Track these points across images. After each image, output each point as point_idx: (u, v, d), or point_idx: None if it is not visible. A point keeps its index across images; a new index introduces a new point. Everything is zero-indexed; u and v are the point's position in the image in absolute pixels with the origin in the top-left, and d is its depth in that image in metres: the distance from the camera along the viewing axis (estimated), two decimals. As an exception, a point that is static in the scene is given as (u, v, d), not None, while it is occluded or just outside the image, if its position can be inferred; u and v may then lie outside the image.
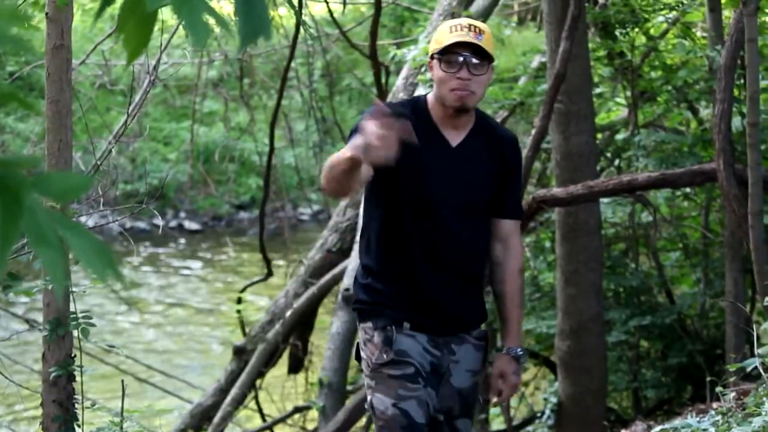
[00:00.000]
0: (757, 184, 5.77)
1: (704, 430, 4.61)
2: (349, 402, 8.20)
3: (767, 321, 5.12)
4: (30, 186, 1.58)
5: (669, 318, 8.37)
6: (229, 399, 9.17)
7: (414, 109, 4.19)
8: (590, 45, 7.91)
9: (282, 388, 9.96)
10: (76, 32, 6.10)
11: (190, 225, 19.73)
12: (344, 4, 8.89)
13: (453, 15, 8.69)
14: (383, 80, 9.63)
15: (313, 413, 8.93)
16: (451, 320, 4.22)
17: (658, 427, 5.08)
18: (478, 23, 4.14)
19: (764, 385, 4.76)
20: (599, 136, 8.72)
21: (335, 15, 10.36)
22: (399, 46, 10.48)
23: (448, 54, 4.07)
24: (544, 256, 9.04)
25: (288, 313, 9.22)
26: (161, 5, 1.75)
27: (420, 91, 8.10)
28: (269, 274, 10.54)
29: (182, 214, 19.96)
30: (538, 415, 8.63)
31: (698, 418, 4.80)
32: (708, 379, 5.92)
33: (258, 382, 9.40)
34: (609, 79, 9.08)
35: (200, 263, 17.77)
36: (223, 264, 17.73)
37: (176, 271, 17.20)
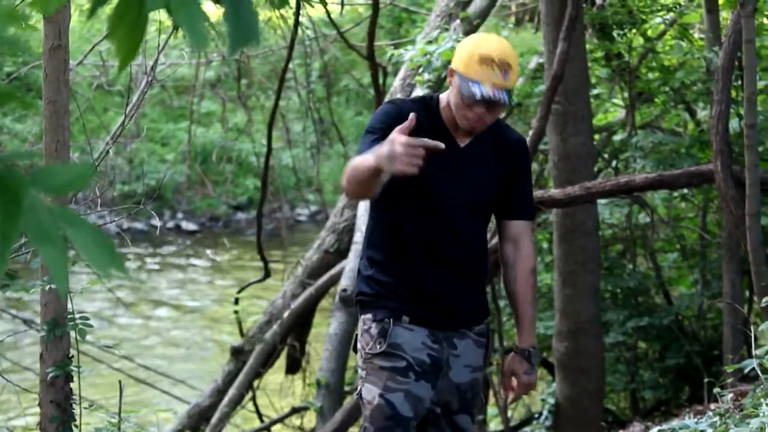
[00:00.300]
0: (755, 185, 5.77)
1: (702, 431, 4.61)
2: (347, 403, 8.19)
3: (765, 322, 5.12)
4: (29, 184, 1.58)
5: (666, 319, 8.37)
6: (226, 400, 9.16)
7: (425, 108, 4.21)
8: (588, 46, 7.91)
9: (280, 389, 9.96)
10: (73, 33, 6.10)
11: (188, 226, 19.72)
12: (342, 5, 8.89)
13: (450, 16, 8.68)
14: (380, 81, 9.63)
15: (311, 414, 8.92)
16: (451, 316, 4.25)
17: (656, 428, 5.08)
18: (509, 54, 4.08)
19: (762, 386, 4.77)
20: (597, 137, 8.72)
21: (333, 16, 10.35)
22: (396, 47, 10.47)
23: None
24: (541, 257, 9.04)
25: (286, 314, 9.22)
26: (159, 7, 1.75)
27: (417, 92, 8.09)
28: (267, 274, 10.53)
29: (180, 215, 19.96)
30: (536, 415, 8.63)
31: (696, 419, 4.80)
32: (705, 380, 5.92)
33: (256, 382, 9.39)
34: (606, 80, 9.09)
35: (197, 264, 17.76)
36: (220, 265, 17.73)
37: (174, 271, 17.20)
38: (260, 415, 9.64)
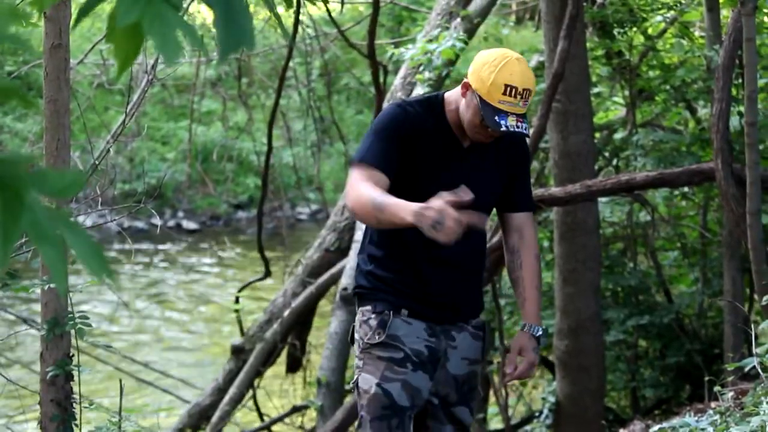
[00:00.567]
0: (756, 183, 5.77)
1: (702, 429, 4.61)
2: (348, 401, 8.19)
3: (765, 320, 5.12)
4: (30, 184, 1.58)
5: (667, 317, 8.37)
6: (227, 398, 9.16)
7: (429, 108, 4.24)
8: (588, 44, 7.91)
9: (280, 388, 9.96)
10: (74, 32, 6.09)
11: (189, 224, 19.72)
12: (342, 3, 8.88)
13: (451, 14, 8.68)
14: (381, 79, 9.63)
15: (312, 413, 8.93)
16: (450, 310, 4.30)
17: (656, 427, 5.09)
18: (532, 81, 4.09)
19: (762, 385, 4.77)
20: (597, 135, 8.72)
21: (333, 14, 10.35)
22: (397, 45, 10.47)
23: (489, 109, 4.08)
24: (542, 255, 9.03)
25: (286, 313, 9.21)
26: (132, 20, 1.73)
27: (418, 91, 8.09)
28: (267, 273, 10.53)
29: (180, 214, 19.95)
30: (537, 414, 8.63)
31: (696, 418, 4.80)
32: (706, 378, 5.92)
33: (256, 381, 9.39)
34: (607, 78, 9.08)
35: (198, 263, 17.76)
36: (221, 263, 17.73)
37: (174, 270, 17.19)
38: (261, 414, 9.64)
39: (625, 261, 8.84)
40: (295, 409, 9.27)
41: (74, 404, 4.67)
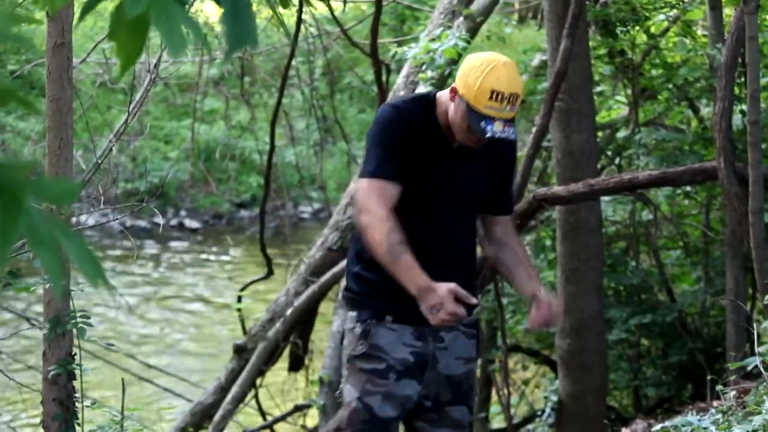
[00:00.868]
0: (758, 182, 5.76)
1: (705, 428, 4.61)
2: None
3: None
4: (29, 188, 1.59)
5: (669, 316, 8.37)
6: (229, 397, 9.16)
7: (422, 105, 4.24)
8: (591, 43, 7.91)
9: (282, 387, 9.96)
10: (76, 30, 6.09)
11: (191, 223, 19.72)
12: (345, 2, 8.88)
13: (454, 13, 8.68)
14: (384, 78, 9.62)
15: (314, 412, 8.93)
16: None
17: (659, 426, 5.09)
18: (519, 85, 4.08)
19: (765, 384, 4.76)
20: (600, 134, 8.71)
21: (336, 13, 10.35)
22: (400, 44, 10.47)
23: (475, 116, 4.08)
24: (544, 254, 9.03)
25: (288, 312, 9.22)
26: (140, 11, 1.74)
27: (420, 90, 8.09)
28: (270, 272, 10.53)
29: (183, 213, 19.95)
30: (539, 413, 8.63)
31: (699, 417, 4.80)
32: (708, 377, 5.92)
33: (258, 380, 9.40)
34: (610, 77, 9.08)
35: (201, 262, 17.76)
36: (223, 262, 17.73)
37: (176, 269, 17.20)
38: (263, 413, 9.64)
39: (628, 260, 8.83)
40: (298, 408, 9.27)
41: (76, 403, 4.67)
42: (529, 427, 8.92)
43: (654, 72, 8.70)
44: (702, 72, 8.18)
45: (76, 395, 4.67)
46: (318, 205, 18.55)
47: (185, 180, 19.98)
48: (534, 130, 7.13)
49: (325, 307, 9.79)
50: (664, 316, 8.36)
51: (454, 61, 8.12)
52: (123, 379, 4.99)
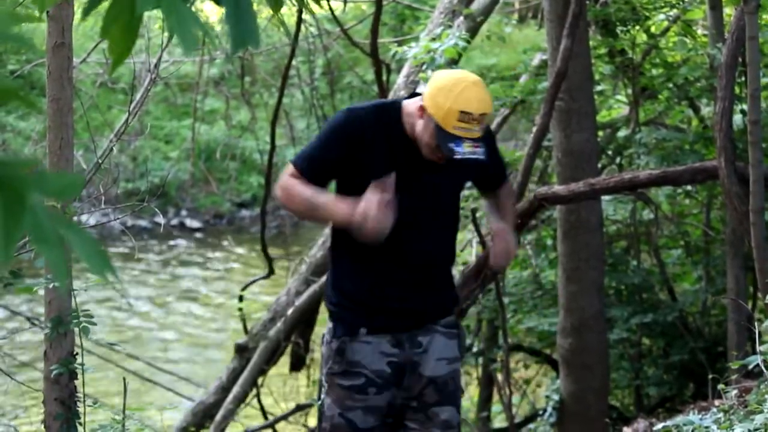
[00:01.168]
0: (759, 181, 5.76)
1: (706, 427, 4.61)
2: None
3: (769, 318, 5.11)
4: (31, 185, 1.59)
5: (671, 315, 8.37)
6: (231, 397, 9.17)
7: (384, 115, 4.20)
8: (591, 43, 7.91)
9: (284, 386, 9.96)
10: (77, 30, 6.10)
11: (192, 223, 19.72)
12: (345, 2, 8.88)
13: (454, 13, 8.68)
14: (384, 78, 9.62)
15: (315, 411, 8.92)
16: (413, 315, 4.29)
17: (660, 425, 5.08)
18: (487, 104, 4.07)
19: (766, 383, 4.76)
20: (600, 133, 8.71)
21: (336, 13, 10.35)
22: (400, 43, 10.47)
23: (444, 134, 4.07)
24: (545, 253, 9.04)
25: (290, 311, 9.22)
26: (150, 9, 1.75)
27: (421, 89, 8.08)
28: (271, 272, 10.54)
29: (184, 213, 19.95)
30: (540, 412, 8.62)
31: (700, 416, 4.80)
32: (710, 376, 5.91)
33: (260, 380, 9.40)
34: (610, 76, 9.08)
35: (202, 261, 17.76)
36: (224, 262, 17.73)
37: (177, 269, 17.20)
38: (264, 413, 9.65)
39: (629, 259, 8.83)
40: (299, 408, 9.27)
41: (78, 403, 4.68)
42: (531, 426, 8.91)
43: (654, 71, 8.70)
44: (702, 71, 8.18)
45: (78, 395, 4.67)
46: (319, 205, 18.52)
47: (186, 180, 19.98)
48: (534, 129, 7.13)
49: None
50: (665, 316, 8.36)
51: (455, 61, 8.12)
52: (125, 379, 4.99)
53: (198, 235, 19.29)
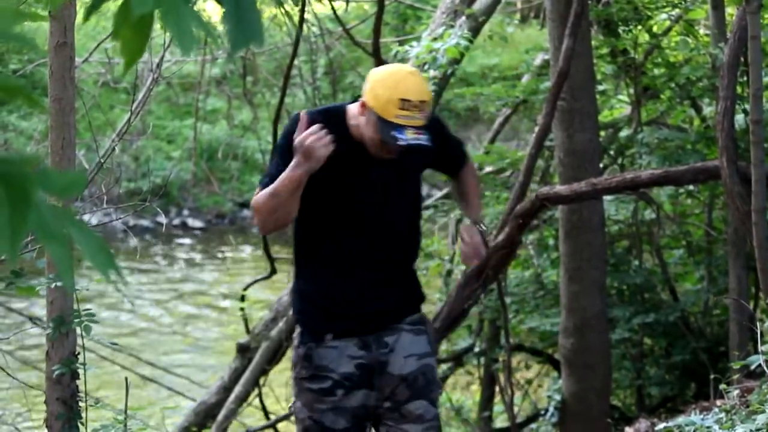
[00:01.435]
0: (761, 181, 5.76)
1: (708, 427, 4.61)
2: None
3: (771, 318, 5.11)
4: (36, 182, 1.59)
5: (672, 315, 8.36)
6: (232, 397, 9.17)
7: (330, 120, 4.21)
8: (593, 42, 7.91)
9: (286, 386, 9.96)
10: (79, 30, 6.10)
11: (194, 223, 19.73)
12: (347, 1, 8.89)
13: (456, 13, 8.68)
14: (386, 78, 9.60)
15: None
16: (376, 317, 4.34)
17: (662, 425, 5.08)
18: (425, 91, 4.12)
19: (768, 383, 4.76)
20: (602, 133, 8.71)
21: (338, 12, 10.35)
22: (402, 43, 10.47)
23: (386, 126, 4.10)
24: (547, 253, 9.04)
25: (291, 311, 9.22)
26: (148, 10, 1.74)
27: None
28: (273, 271, 10.54)
29: (186, 212, 19.96)
30: (542, 412, 8.62)
31: (702, 416, 4.80)
32: (712, 376, 5.91)
33: (262, 379, 9.40)
34: (612, 76, 9.08)
35: (204, 261, 17.77)
36: (226, 262, 17.73)
37: (179, 268, 17.20)
38: (266, 412, 9.65)
39: (631, 259, 8.83)
40: (300, 408, 9.26)
41: (80, 402, 4.68)
42: (533, 426, 8.92)
43: (656, 71, 8.70)
44: (704, 71, 8.18)
45: (80, 394, 4.67)
46: (320, 205, 18.53)
47: (188, 179, 19.99)
48: (536, 129, 7.13)
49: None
50: (667, 316, 8.35)
51: (457, 61, 8.13)
52: (126, 378, 4.99)
53: (200, 234, 19.30)
